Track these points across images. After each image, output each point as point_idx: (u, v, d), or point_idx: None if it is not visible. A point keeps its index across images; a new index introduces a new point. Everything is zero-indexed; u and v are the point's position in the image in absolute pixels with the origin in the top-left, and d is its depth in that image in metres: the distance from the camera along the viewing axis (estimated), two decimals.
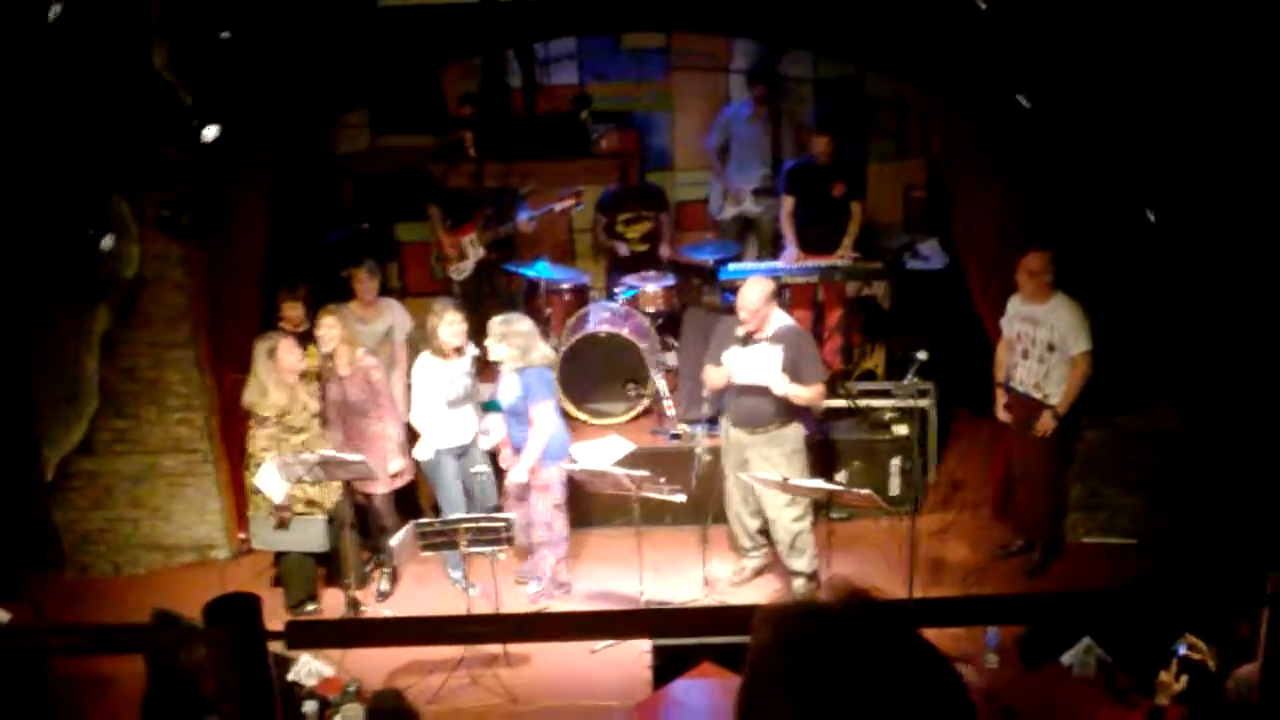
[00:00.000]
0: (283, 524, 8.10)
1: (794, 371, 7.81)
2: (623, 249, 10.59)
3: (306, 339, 8.55)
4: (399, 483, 8.55)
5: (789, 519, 8.05)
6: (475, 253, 10.32)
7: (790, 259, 9.99)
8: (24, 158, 8.06)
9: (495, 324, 8.10)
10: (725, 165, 10.98)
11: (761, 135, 10.87)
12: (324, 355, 8.24)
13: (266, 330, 8.40)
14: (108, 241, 8.12)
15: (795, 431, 8.04)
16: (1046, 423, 8.17)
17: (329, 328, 8.17)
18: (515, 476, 8.15)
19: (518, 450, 8.23)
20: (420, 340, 8.90)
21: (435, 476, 8.50)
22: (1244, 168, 7.81)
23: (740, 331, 7.86)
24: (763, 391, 7.80)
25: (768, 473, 7.82)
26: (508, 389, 8.14)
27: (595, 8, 10.17)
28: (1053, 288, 8.09)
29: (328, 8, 8.89)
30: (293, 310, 8.69)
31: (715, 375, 8.07)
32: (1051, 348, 8.09)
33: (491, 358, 8.13)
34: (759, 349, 7.85)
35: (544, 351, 8.21)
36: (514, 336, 8.03)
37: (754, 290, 7.85)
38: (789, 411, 7.93)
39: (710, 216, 11.35)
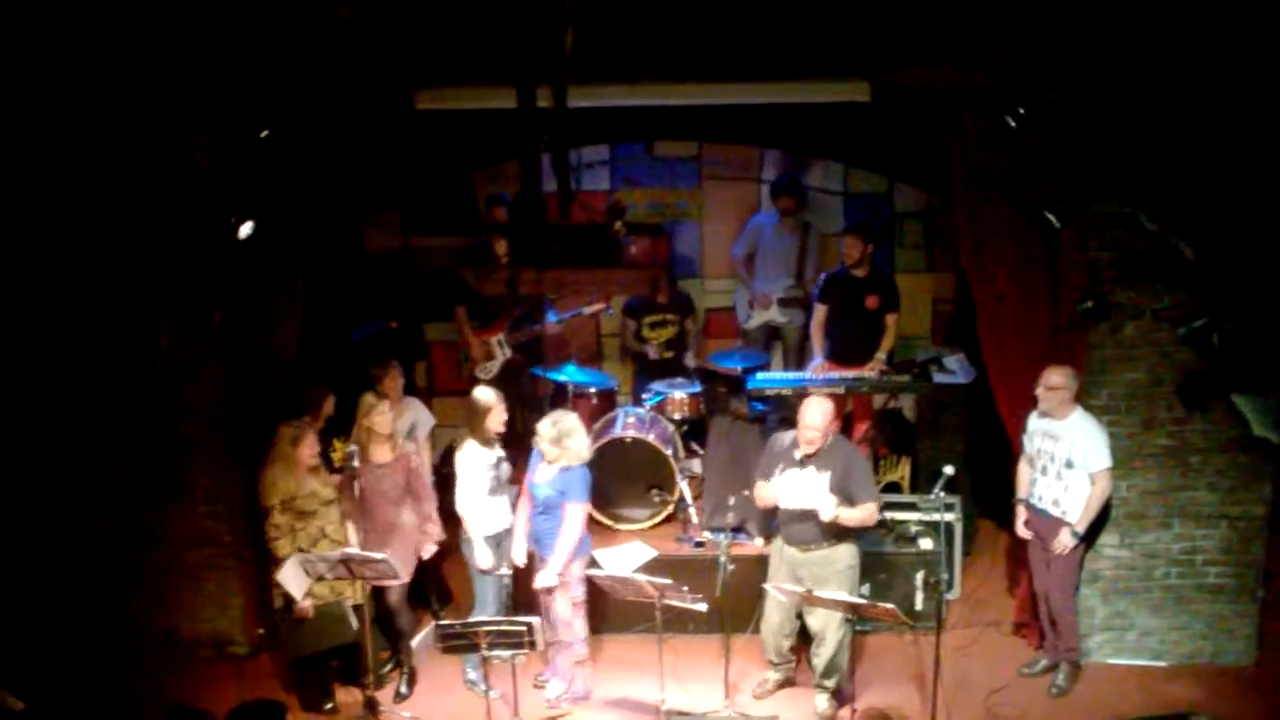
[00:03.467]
0: (303, 617, 8.05)
1: (844, 490, 7.78)
2: (651, 352, 10.64)
3: (335, 432, 8.57)
4: (423, 555, 8.54)
5: (835, 640, 7.98)
6: (503, 353, 10.40)
7: (816, 369, 10.01)
8: (59, 249, 8.15)
9: (547, 427, 8.10)
10: (751, 275, 11.04)
11: (788, 245, 10.92)
12: (353, 455, 8.17)
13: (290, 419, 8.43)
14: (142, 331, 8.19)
15: (848, 549, 7.99)
16: (1064, 540, 8.13)
17: (382, 414, 8.25)
18: (545, 580, 8.10)
19: (535, 542, 8.25)
20: (438, 438, 8.93)
21: (475, 563, 8.46)
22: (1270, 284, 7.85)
23: (799, 454, 7.86)
24: (814, 512, 7.80)
25: (822, 593, 7.72)
26: (542, 481, 8.16)
27: (628, 117, 10.30)
28: (1072, 404, 8.09)
29: (365, 108, 9.02)
30: (327, 404, 8.72)
31: (764, 495, 8.07)
32: (1070, 464, 8.06)
33: (549, 460, 8.13)
34: (807, 473, 7.84)
35: (586, 443, 8.28)
36: (571, 434, 8.09)
37: (819, 412, 7.82)
38: (840, 531, 7.88)
39: (738, 325, 11.38)
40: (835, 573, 7.91)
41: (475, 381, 10.42)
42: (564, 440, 8.06)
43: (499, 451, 8.41)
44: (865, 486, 7.90)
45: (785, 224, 10.87)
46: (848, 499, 7.78)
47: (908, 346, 10.93)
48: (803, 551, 7.98)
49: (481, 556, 8.30)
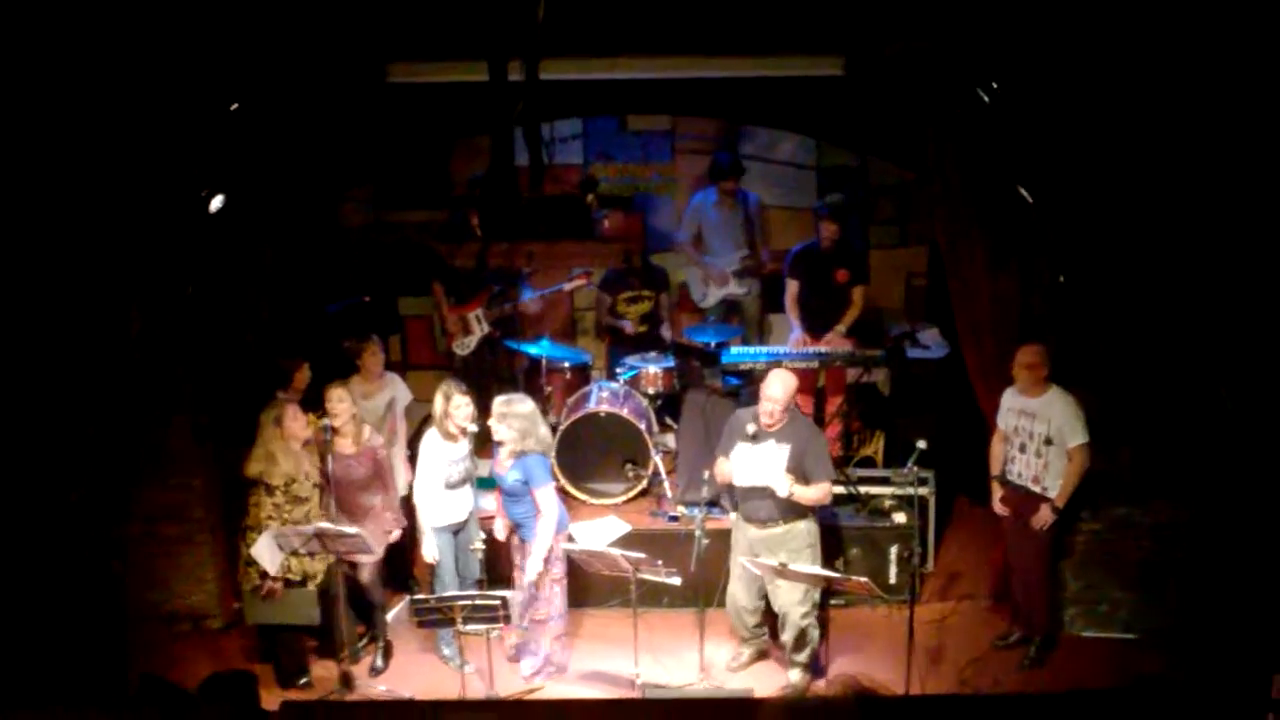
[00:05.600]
0: (271, 595, 8.03)
1: (800, 468, 7.77)
2: (628, 326, 10.61)
3: (306, 406, 8.54)
4: (389, 539, 8.49)
5: (798, 615, 7.98)
6: (481, 328, 10.35)
7: (795, 343, 10.01)
8: (29, 224, 8.08)
9: (497, 403, 8.09)
10: (701, 253, 10.96)
11: (732, 218, 10.84)
12: (328, 429, 8.15)
13: (267, 399, 8.40)
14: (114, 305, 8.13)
15: (806, 527, 7.98)
16: (1045, 516, 8.16)
17: (340, 400, 8.16)
18: (532, 571, 8.03)
19: (515, 525, 8.24)
20: (417, 412, 8.89)
21: (422, 554, 8.44)
22: (1244, 259, 7.85)
23: (750, 429, 7.84)
24: (770, 489, 7.79)
25: (796, 566, 7.72)
26: (502, 471, 8.14)
27: (601, 90, 10.26)
28: (1048, 381, 8.11)
29: (337, 82, 8.95)
30: (301, 376, 8.68)
31: (723, 471, 8.06)
32: (1049, 441, 8.08)
33: (494, 437, 8.12)
34: (764, 449, 7.82)
35: (542, 435, 8.16)
36: (514, 418, 8.00)
37: (780, 385, 7.82)
38: (798, 508, 7.88)
39: (694, 305, 11.29)
40: (793, 551, 7.88)
41: (451, 356, 10.42)
42: (509, 419, 7.99)
43: (464, 444, 8.35)
44: (821, 465, 7.89)
45: (724, 201, 10.79)
46: (804, 477, 7.77)
47: (882, 321, 10.92)
48: (760, 529, 7.97)
49: (428, 549, 8.33)
